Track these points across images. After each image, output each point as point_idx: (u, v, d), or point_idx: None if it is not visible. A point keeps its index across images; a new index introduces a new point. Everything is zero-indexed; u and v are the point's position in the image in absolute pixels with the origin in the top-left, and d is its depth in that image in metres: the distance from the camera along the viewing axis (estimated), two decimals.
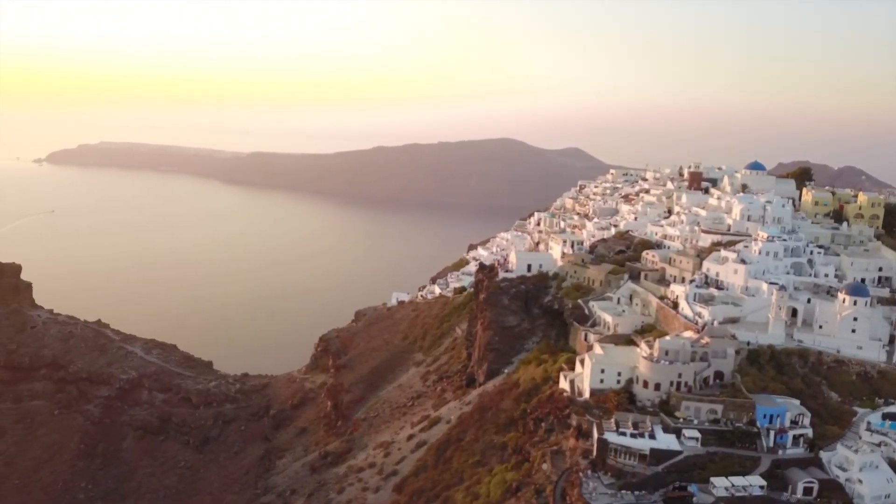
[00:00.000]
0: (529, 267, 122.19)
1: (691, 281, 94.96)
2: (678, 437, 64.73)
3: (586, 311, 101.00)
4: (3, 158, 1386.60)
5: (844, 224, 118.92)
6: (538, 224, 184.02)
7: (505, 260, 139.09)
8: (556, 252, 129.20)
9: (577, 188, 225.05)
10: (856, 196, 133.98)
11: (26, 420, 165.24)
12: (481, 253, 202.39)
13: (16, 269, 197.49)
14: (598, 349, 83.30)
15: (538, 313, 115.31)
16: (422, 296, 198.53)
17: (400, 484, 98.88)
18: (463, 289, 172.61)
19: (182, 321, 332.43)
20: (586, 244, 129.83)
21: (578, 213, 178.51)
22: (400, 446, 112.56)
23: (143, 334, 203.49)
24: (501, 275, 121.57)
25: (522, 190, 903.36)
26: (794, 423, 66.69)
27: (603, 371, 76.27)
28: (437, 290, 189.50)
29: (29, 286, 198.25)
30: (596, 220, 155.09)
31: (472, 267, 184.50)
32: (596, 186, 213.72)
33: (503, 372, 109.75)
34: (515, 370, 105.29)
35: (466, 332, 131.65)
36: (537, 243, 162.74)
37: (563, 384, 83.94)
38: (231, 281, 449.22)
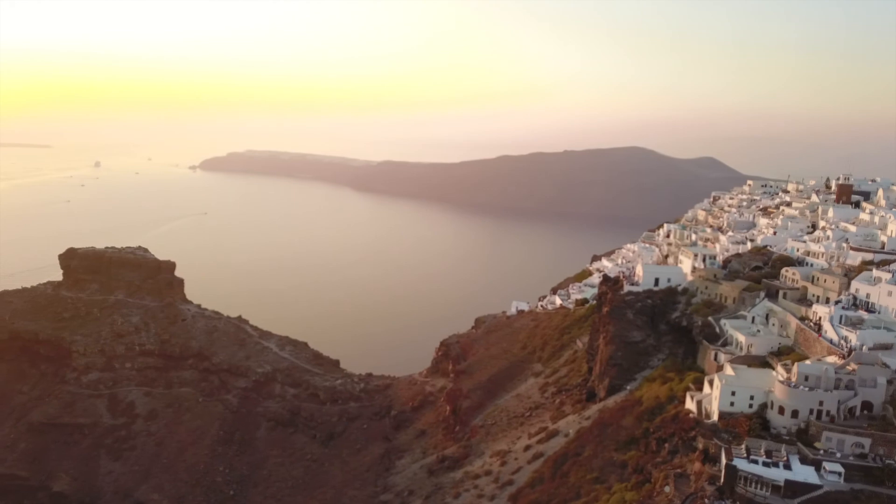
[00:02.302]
0: (657, 281, 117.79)
1: (837, 302, 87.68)
2: (818, 469, 59.91)
3: (717, 330, 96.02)
4: (163, 165, 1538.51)
5: None
6: (667, 236, 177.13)
7: (631, 272, 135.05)
8: (686, 266, 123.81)
9: (711, 199, 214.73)
10: None
11: (175, 405, 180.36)
12: (606, 264, 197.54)
13: (171, 266, 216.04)
14: (729, 370, 79.00)
15: (665, 329, 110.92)
16: (542, 306, 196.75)
17: (515, 494, 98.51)
18: (585, 301, 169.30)
19: (313, 320, 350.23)
20: (719, 259, 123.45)
21: (711, 226, 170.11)
22: (516, 456, 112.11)
23: (277, 331, 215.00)
24: (627, 288, 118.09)
25: (651, 200, 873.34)
26: None
27: (734, 393, 72.17)
28: (558, 301, 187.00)
29: (181, 282, 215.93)
30: (730, 233, 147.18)
31: (596, 278, 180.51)
32: (731, 198, 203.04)
33: (625, 388, 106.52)
34: (638, 387, 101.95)
35: (588, 346, 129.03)
36: (666, 256, 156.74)
37: (690, 405, 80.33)
38: (358, 283, 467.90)
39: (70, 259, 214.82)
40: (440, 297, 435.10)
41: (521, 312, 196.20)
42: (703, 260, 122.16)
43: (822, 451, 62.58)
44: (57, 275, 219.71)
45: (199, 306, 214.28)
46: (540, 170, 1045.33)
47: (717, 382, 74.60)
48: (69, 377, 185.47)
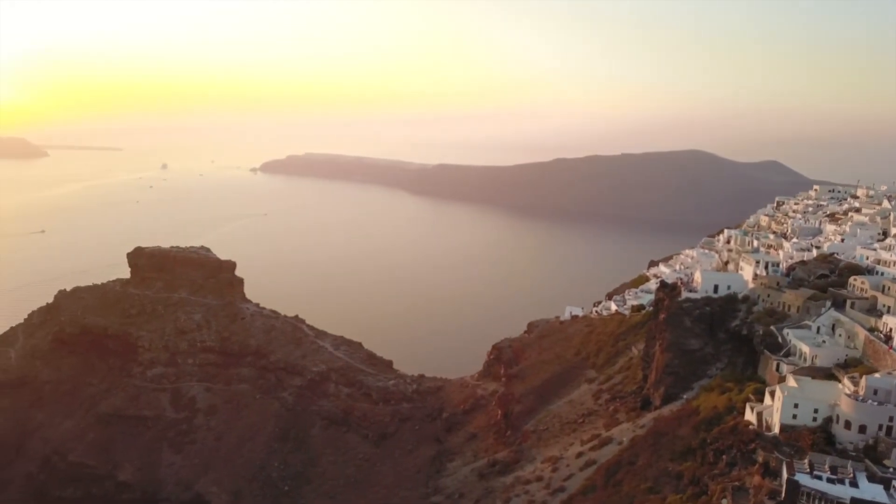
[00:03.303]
0: (716, 288, 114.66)
1: None
2: (887, 488, 57.18)
3: (779, 340, 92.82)
4: (226, 167, 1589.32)
5: None
6: (728, 242, 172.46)
7: (689, 279, 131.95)
8: (747, 273, 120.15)
9: (774, 205, 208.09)
10: None
11: (233, 401, 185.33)
12: (663, 270, 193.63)
13: (231, 265, 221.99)
14: (791, 381, 76.26)
15: (724, 338, 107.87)
16: (596, 311, 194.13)
17: (567, 501, 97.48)
18: (641, 307, 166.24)
19: (367, 321, 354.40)
20: (782, 266, 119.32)
21: (774, 232, 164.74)
22: (568, 463, 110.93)
23: (332, 331, 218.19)
24: (684, 294, 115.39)
25: (711, 205, 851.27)
26: None
27: (797, 406, 69.60)
28: (614, 307, 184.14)
29: (241, 281, 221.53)
30: (795, 240, 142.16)
31: (653, 284, 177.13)
32: (796, 203, 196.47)
33: (682, 397, 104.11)
34: (696, 396, 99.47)
35: (643, 353, 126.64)
36: (726, 263, 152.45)
37: (750, 416, 77.90)
38: (413, 285, 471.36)
39: (138, 258, 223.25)
40: (493, 301, 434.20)
41: (575, 318, 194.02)
42: (766, 267, 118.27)
43: (891, 469, 59.79)
44: (125, 272, 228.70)
45: (257, 305, 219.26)
46: (597, 173, 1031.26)
47: (778, 394, 72.15)
48: (135, 371, 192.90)
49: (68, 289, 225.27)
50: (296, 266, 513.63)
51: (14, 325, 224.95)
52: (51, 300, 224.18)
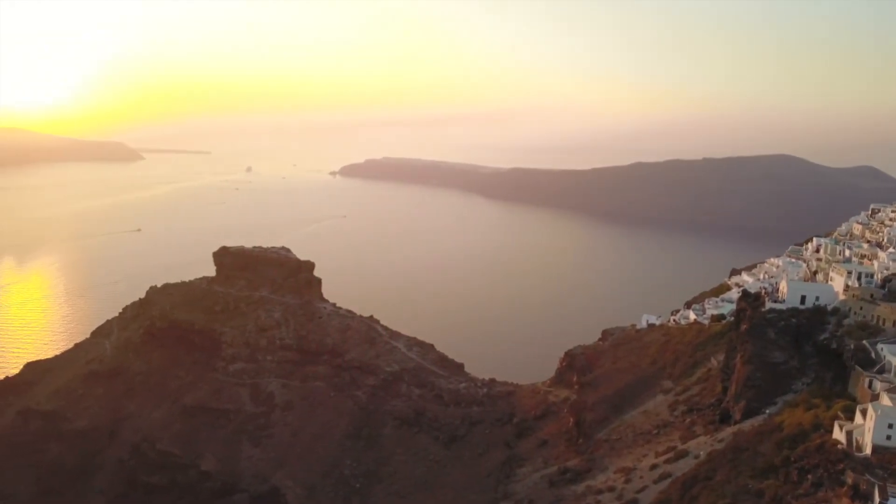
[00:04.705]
0: (803, 299, 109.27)
1: None
2: None
3: (872, 355, 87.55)
4: (307, 171, 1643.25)
5: None
6: (817, 251, 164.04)
7: (774, 289, 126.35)
8: (837, 284, 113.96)
9: (869, 212, 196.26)
10: None
11: (309, 398, 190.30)
12: (746, 279, 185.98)
13: (310, 265, 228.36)
14: (885, 400, 71.89)
15: (810, 351, 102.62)
16: (674, 320, 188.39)
17: None
18: (722, 317, 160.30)
19: (440, 323, 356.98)
20: (877, 277, 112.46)
21: (869, 241, 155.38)
22: (642, 474, 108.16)
23: (406, 332, 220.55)
24: (768, 305, 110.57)
25: (799, 212, 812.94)
26: None
27: (891, 426, 65.61)
28: (692, 316, 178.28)
29: (319, 281, 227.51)
30: (891, 250, 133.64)
31: (734, 293, 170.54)
32: (894, 211, 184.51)
33: (764, 412, 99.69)
34: (779, 412, 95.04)
35: (723, 364, 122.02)
36: (814, 272, 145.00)
37: (838, 435, 73.85)
38: (486, 289, 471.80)
39: (223, 257, 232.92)
40: (567, 307, 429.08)
41: (651, 326, 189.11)
42: (859, 278, 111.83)
43: None
44: (211, 270, 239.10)
45: (334, 305, 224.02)
46: (676, 177, 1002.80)
47: (871, 413, 68.17)
48: (218, 366, 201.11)
49: (159, 285, 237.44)
50: (372, 267, 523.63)
51: (110, 318, 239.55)
52: (143, 295, 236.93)
